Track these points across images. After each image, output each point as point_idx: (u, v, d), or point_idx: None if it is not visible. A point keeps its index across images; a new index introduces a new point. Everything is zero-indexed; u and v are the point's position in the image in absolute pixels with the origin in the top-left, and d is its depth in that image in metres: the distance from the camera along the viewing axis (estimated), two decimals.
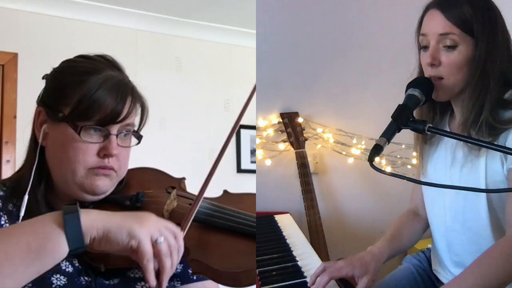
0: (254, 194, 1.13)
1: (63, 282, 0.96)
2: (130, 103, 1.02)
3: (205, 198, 1.05)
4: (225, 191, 1.12)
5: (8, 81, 2.84)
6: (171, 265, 0.85)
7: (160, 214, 1.00)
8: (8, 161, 2.78)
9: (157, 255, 0.84)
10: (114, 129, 1.01)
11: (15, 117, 2.79)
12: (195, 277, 1.10)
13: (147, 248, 0.83)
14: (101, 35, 3.07)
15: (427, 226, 1.49)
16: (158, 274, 0.85)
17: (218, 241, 0.96)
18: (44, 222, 0.82)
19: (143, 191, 1.07)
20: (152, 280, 0.84)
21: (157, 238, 0.84)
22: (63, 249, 0.80)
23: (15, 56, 2.86)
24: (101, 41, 3.00)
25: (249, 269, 0.88)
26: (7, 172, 2.75)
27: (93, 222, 0.83)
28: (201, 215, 1.00)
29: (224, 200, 1.08)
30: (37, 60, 2.80)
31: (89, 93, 0.98)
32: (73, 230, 0.81)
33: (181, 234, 0.88)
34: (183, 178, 1.15)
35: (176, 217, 0.99)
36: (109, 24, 3.13)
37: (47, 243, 0.79)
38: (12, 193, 1.03)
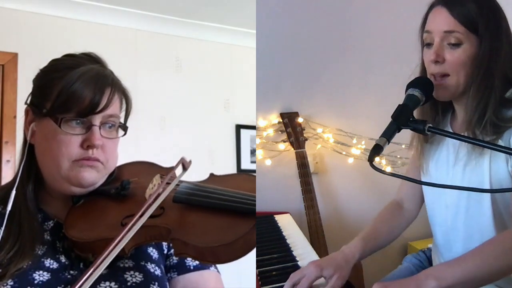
0: (242, 174, 1.12)
1: (47, 278, 0.97)
2: (109, 93, 1.02)
3: (189, 181, 1.05)
4: (212, 174, 1.12)
5: (8, 81, 2.84)
6: None
7: (142, 199, 1.01)
8: (8, 161, 2.78)
9: None
10: (97, 120, 1.01)
11: (15, 117, 2.79)
12: (192, 267, 1.10)
13: None
14: (101, 35, 3.07)
15: (411, 219, 1.48)
16: None
17: (198, 219, 0.96)
18: None
19: (128, 179, 1.08)
20: None
21: None
22: None
23: (15, 56, 2.86)
24: (101, 41, 3.00)
25: (227, 242, 0.87)
26: (7, 172, 2.75)
27: None
28: (182, 194, 1.00)
29: (209, 181, 1.08)
30: (37, 60, 2.79)
31: (68, 86, 0.99)
32: None
33: None
34: (173, 167, 1.15)
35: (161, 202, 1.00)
36: (109, 24, 3.13)
37: None
38: (1, 201, 1.04)
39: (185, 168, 1.03)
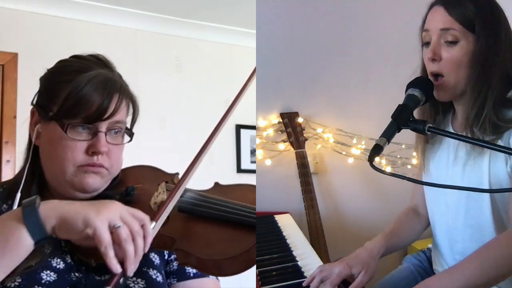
0: (247, 185, 1.11)
1: (53, 278, 0.97)
2: (117, 100, 1.01)
3: (195, 190, 1.05)
4: (216, 183, 1.12)
5: (8, 81, 2.84)
6: (135, 251, 0.83)
7: (148, 207, 1.00)
8: (8, 161, 2.78)
9: (116, 241, 0.82)
10: (103, 126, 1.01)
11: (15, 117, 2.79)
12: (192, 274, 1.11)
13: (103, 235, 0.81)
14: (101, 35, 3.07)
15: (426, 225, 1.49)
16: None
17: (203, 230, 0.95)
18: (4, 220, 0.84)
19: (133, 185, 1.07)
20: (115, 267, 0.82)
21: (115, 224, 0.83)
22: (26, 242, 0.82)
23: (15, 56, 2.86)
24: (101, 41, 3.00)
25: (231, 256, 0.87)
26: (7, 172, 2.75)
27: (51, 211, 0.84)
28: (187, 205, 0.99)
29: (214, 191, 1.08)
30: (37, 60, 2.79)
31: (76, 90, 0.98)
32: (32, 222, 0.82)
33: (148, 221, 0.87)
34: (177, 173, 1.14)
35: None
36: (109, 24, 3.13)
37: (9, 239, 0.81)
38: (8, 194, 1.05)
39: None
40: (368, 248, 1.30)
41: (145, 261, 1.06)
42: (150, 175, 1.13)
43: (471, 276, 1.07)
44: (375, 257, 1.28)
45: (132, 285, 1.02)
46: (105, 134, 1.01)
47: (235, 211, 0.96)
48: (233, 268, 0.88)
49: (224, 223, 0.94)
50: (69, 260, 1.01)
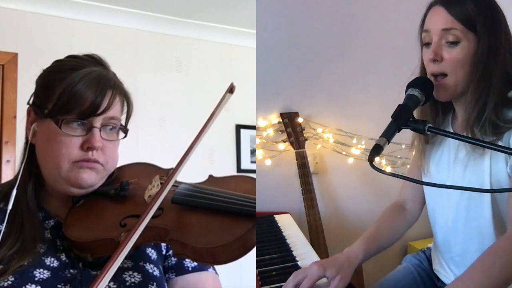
0: (241, 176, 1.12)
1: (46, 276, 0.97)
2: (110, 96, 1.03)
3: (188, 183, 1.06)
4: (210, 176, 1.13)
5: (8, 81, 2.84)
6: None
7: (142, 200, 1.01)
8: (8, 161, 2.78)
9: None
10: (97, 122, 1.02)
11: (15, 117, 2.79)
12: (190, 268, 1.11)
13: None
14: (101, 35, 3.07)
15: (413, 220, 1.48)
16: None
17: (197, 220, 0.96)
18: None
19: (128, 180, 1.08)
20: None
21: None
22: None
23: (15, 56, 2.86)
24: (101, 41, 3.00)
25: (224, 243, 0.88)
26: (7, 172, 2.75)
27: None
28: (180, 196, 1.01)
29: (208, 183, 1.09)
30: (37, 60, 2.79)
31: (69, 87, 1.00)
32: None
33: None
34: (172, 169, 1.16)
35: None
36: (109, 24, 3.13)
37: None
38: (3, 196, 1.06)
39: (231, 92, 1.03)
40: (347, 254, 1.28)
41: (142, 256, 1.07)
42: (146, 171, 1.15)
43: (479, 285, 1.05)
44: (352, 263, 1.26)
45: (128, 279, 1.02)
46: (100, 130, 1.02)
47: (228, 200, 0.97)
48: (227, 255, 0.89)
49: (217, 213, 0.95)
50: (64, 258, 1.02)
